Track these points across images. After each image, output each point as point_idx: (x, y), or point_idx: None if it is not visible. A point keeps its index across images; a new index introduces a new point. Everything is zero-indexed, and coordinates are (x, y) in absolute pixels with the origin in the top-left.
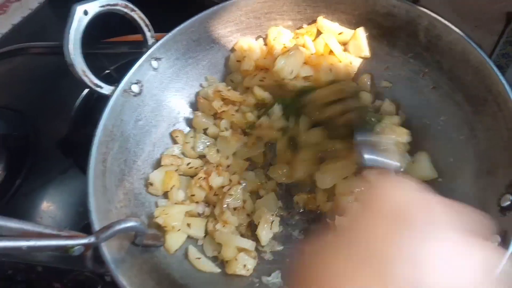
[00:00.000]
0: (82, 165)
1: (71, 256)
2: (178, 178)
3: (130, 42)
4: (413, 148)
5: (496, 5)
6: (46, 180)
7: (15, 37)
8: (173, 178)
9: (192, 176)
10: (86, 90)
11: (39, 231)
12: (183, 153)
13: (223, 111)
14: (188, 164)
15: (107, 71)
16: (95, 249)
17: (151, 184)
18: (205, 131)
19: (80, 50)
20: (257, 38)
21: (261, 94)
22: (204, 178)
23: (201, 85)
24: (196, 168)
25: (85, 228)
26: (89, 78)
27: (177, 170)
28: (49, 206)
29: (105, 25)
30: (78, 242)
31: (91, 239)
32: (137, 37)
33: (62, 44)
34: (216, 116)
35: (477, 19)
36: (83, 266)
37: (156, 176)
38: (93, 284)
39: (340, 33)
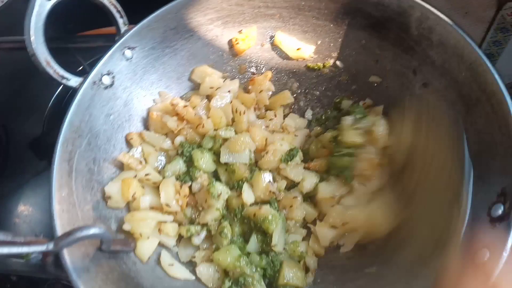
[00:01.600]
0: None
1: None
2: (138, 184)
3: (106, 35)
4: None
5: None
6: (19, 184)
7: None
8: (132, 185)
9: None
10: (60, 88)
11: None
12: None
13: (180, 129)
14: (146, 175)
15: (81, 67)
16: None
17: (109, 198)
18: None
19: (43, 39)
20: (240, 32)
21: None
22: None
23: (154, 101)
24: (154, 182)
25: None
26: (54, 68)
27: (135, 176)
28: (23, 210)
29: (79, 18)
30: (34, 249)
31: (49, 246)
32: (113, 29)
33: None
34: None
35: (467, 5)
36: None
37: (112, 188)
38: None
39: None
